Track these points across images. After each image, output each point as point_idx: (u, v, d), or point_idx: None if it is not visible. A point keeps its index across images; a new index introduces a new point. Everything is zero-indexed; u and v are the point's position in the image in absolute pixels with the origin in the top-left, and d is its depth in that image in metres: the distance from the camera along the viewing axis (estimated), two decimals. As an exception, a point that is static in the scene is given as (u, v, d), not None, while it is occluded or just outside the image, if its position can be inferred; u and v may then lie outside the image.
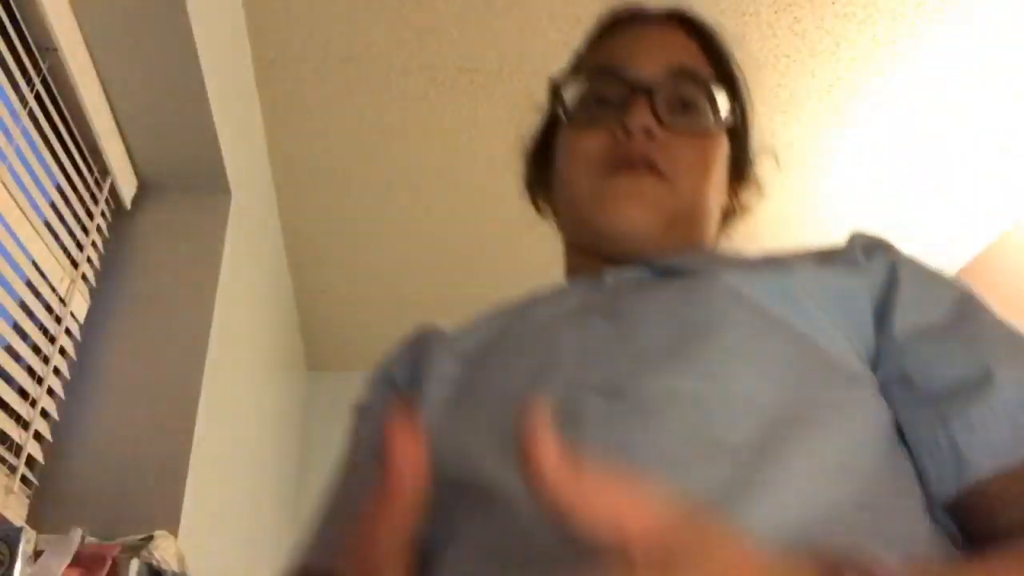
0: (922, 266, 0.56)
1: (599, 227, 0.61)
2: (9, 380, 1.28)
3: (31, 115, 1.35)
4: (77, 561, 1.16)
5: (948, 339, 0.51)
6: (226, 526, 1.94)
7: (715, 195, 0.65)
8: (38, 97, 1.37)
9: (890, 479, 0.44)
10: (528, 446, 0.29)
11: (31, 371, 1.36)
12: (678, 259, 0.59)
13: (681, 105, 0.62)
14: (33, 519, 1.35)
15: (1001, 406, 0.44)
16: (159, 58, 1.51)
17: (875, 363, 0.50)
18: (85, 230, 1.59)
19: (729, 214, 0.72)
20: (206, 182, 1.83)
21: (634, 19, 0.69)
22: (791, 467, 0.41)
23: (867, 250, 0.56)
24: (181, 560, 1.34)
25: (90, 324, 1.60)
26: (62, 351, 1.47)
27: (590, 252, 0.64)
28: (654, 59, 0.62)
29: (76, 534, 1.18)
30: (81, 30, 1.43)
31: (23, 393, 1.33)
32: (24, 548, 1.03)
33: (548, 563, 0.35)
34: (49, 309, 1.44)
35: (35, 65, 1.35)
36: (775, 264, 0.54)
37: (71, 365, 1.52)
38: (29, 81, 1.33)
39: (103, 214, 1.66)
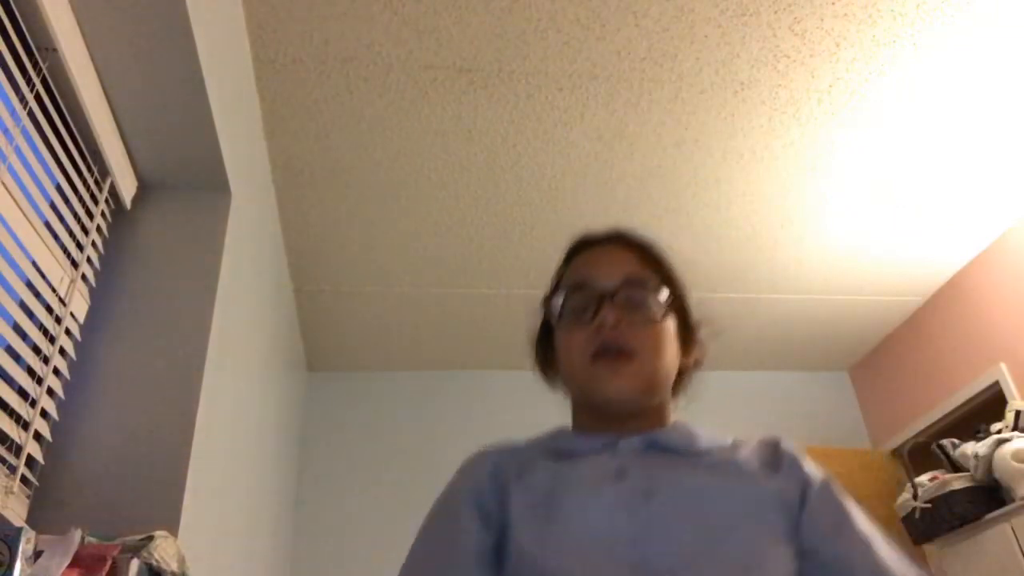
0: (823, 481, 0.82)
1: (597, 398, 0.86)
2: (9, 380, 1.28)
3: (31, 115, 1.35)
4: (77, 561, 1.16)
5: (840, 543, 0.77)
6: (226, 526, 1.94)
7: (670, 363, 0.88)
8: (38, 97, 1.37)
9: None
10: None
11: (31, 371, 1.36)
12: (670, 436, 0.85)
13: (633, 303, 0.87)
14: (33, 519, 1.35)
15: None
16: (159, 58, 1.51)
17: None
18: (85, 230, 1.59)
19: (685, 371, 0.94)
20: (206, 182, 1.83)
21: (591, 244, 0.95)
22: None
23: (791, 463, 0.82)
24: (181, 560, 1.34)
25: (90, 324, 1.60)
26: (62, 351, 1.47)
27: (594, 413, 0.87)
28: (611, 273, 0.89)
29: (76, 534, 1.18)
30: (81, 30, 1.43)
31: (23, 393, 1.33)
32: (24, 548, 1.03)
33: None
34: (49, 309, 1.44)
35: (35, 65, 1.35)
36: (742, 470, 0.80)
37: (71, 365, 1.52)
38: (29, 81, 1.33)
39: (103, 214, 1.67)
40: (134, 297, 1.67)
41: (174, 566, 1.30)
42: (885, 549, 0.78)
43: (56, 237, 1.47)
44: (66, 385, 1.50)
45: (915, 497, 2.89)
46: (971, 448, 2.79)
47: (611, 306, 0.85)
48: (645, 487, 0.76)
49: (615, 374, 0.84)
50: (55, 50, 1.35)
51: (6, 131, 1.26)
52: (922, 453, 3.17)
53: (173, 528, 1.41)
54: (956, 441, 2.92)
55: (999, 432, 2.77)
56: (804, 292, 3.39)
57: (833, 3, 2.05)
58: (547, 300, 0.94)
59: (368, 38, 2.06)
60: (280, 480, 2.92)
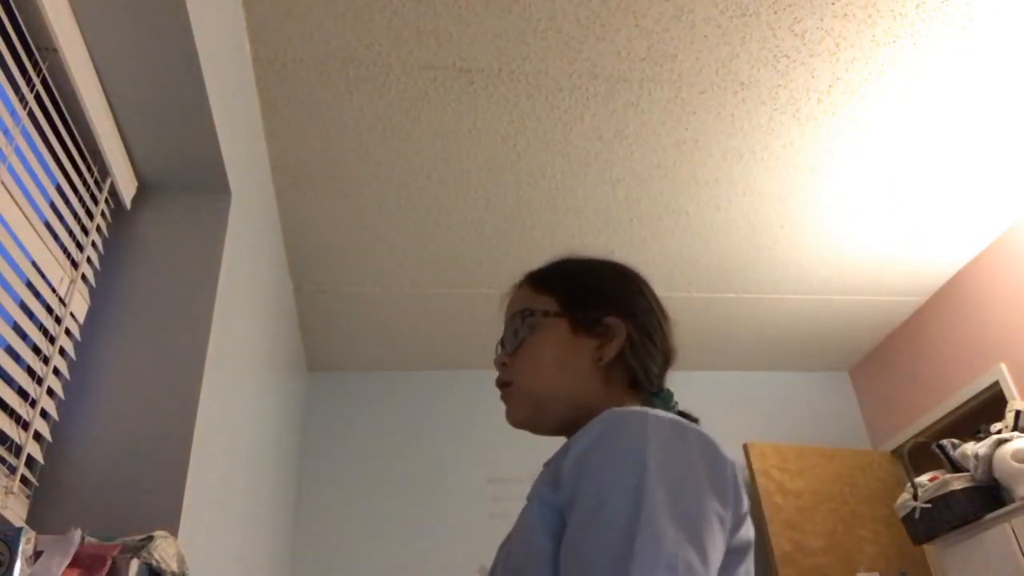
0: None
1: (511, 425, 0.92)
2: (9, 381, 1.28)
3: (31, 115, 1.35)
4: (77, 561, 1.16)
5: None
6: (226, 526, 1.94)
7: (561, 369, 0.88)
8: (38, 97, 1.37)
9: None
10: None
11: (31, 371, 1.36)
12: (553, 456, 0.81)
13: (514, 335, 0.93)
14: (33, 519, 1.35)
15: None
16: (159, 58, 1.51)
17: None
18: (85, 230, 1.59)
19: (609, 360, 0.87)
20: (206, 182, 1.83)
21: (507, 298, 1.00)
22: None
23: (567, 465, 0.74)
24: (181, 560, 1.34)
25: (90, 324, 1.60)
26: (62, 352, 1.47)
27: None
28: (506, 317, 0.96)
29: (76, 534, 1.18)
30: (81, 30, 1.43)
31: (23, 394, 1.33)
32: (24, 548, 1.03)
33: None
34: (49, 309, 1.44)
35: (35, 65, 1.35)
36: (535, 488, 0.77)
37: (71, 365, 1.52)
38: (29, 81, 1.33)
39: (103, 214, 1.67)
40: (134, 297, 1.67)
41: (174, 566, 1.30)
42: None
43: (56, 237, 1.47)
44: (66, 385, 1.50)
45: (915, 497, 2.89)
46: (971, 448, 2.79)
47: (500, 348, 0.96)
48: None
49: (505, 403, 0.92)
50: (55, 50, 1.35)
51: (6, 131, 1.26)
52: (922, 453, 3.17)
53: (173, 528, 1.41)
54: (956, 441, 2.92)
55: (999, 432, 2.77)
56: (804, 292, 3.39)
57: (833, 3, 2.05)
58: None
59: (368, 38, 2.06)
60: (280, 480, 2.92)
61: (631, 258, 3.56)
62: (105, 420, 1.51)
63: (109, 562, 1.18)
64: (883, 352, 3.88)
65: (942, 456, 2.91)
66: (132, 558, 1.22)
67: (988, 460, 2.68)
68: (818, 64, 2.24)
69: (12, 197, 1.28)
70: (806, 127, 2.47)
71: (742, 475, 3.46)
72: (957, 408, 3.30)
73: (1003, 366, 3.05)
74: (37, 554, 1.11)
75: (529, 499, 0.76)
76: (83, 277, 1.57)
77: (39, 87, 1.36)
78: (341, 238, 2.86)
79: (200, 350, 1.64)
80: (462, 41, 2.10)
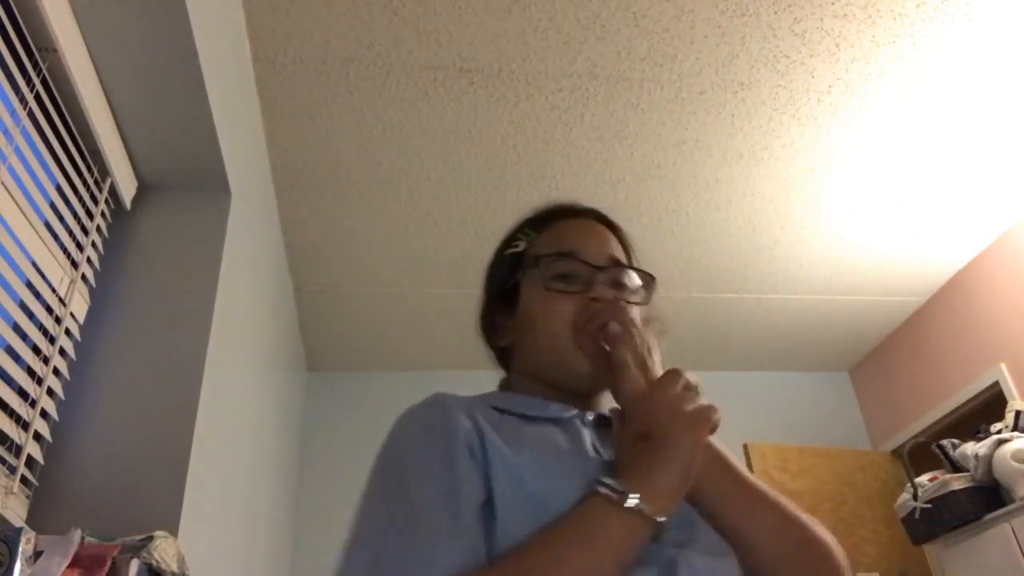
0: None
1: (575, 370, 0.82)
2: (9, 381, 1.28)
3: (31, 115, 1.35)
4: (77, 561, 1.16)
5: None
6: (226, 526, 1.94)
7: None
8: (38, 97, 1.37)
9: None
10: None
11: (31, 372, 1.36)
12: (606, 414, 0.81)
13: (618, 284, 0.87)
14: (33, 519, 1.35)
15: None
16: (159, 58, 1.51)
17: None
18: (85, 230, 1.59)
19: None
20: (206, 182, 1.83)
21: (576, 213, 0.96)
22: None
23: None
24: (181, 560, 1.34)
25: (90, 324, 1.60)
26: (62, 352, 1.47)
27: (546, 384, 0.85)
28: (598, 247, 0.89)
29: (76, 534, 1.18)
30: (81, 30, 1.43)
31: (23, 394, 1.33)
32: (24, 548, 1.03)
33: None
34: (49, 310, 1.44)
35: (35, 65, 1.35)
36: None
37: (71, 365, 1.52)
38: (29, 81, 1.33)
39: (103, 214, 1.67)
40: (134, 297, 1.67)
41: (174, 566, 1.30)
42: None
43: (56, 237, 1.47)
44: (66, 385, 1.50)
45: (915, 497, 2.89)
46: (971, 448, 2.79)
47: (604, 283, 0.85)
48: (607, 461, 0.74)
49: (610, 357, 0.80)
50: (55, 50, 1.35)
51: (6, 131, 1.26)
52: (922, 453, 3.16)
53: (173, 528, 1.41)
54: (956, 441, 2.92)
55: (999, 432, 2.77)
56: (804, 292, 3.39)
57: (833, 3, 2.05)
58: (512, 259, 0.94)
59: (368, 38, 2.06)
60: (280, 480, 2.92)
61: (631, 258, 3.47)
62: (105, 420, 1.51)
63: (109, 562, 1.18)
64: (883, 352, 3.88)
65: (942, 456, 2.91)
66: (132, 558, 1.22)
67: (988, 460, 2.68)
68: (818, 64, 2.23)
69: (12, 197, 1.28)
70: (806, 127, 2.47)
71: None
72: (957, 408, 3.30)
73: (1003, 366, 3.05)
74: (37, 554, 1.11)
75: None
76: (83, 277, 1.57)
77: (39, 87, 1.36)
78: (341, 238, 2.86)
79: (200, 350, 1.64)
80: (462, 41, 2.10)
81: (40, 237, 1.40)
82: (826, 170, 2.66)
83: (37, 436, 1.37)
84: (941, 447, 2.93)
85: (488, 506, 0.67)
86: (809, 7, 2.06)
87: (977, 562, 2.72)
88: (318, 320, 3.36)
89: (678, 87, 2.29)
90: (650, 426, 0.68)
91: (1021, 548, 2.52)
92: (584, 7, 2.02)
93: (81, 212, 1.56)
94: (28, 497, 1.38)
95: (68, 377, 1.50)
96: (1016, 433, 2.72)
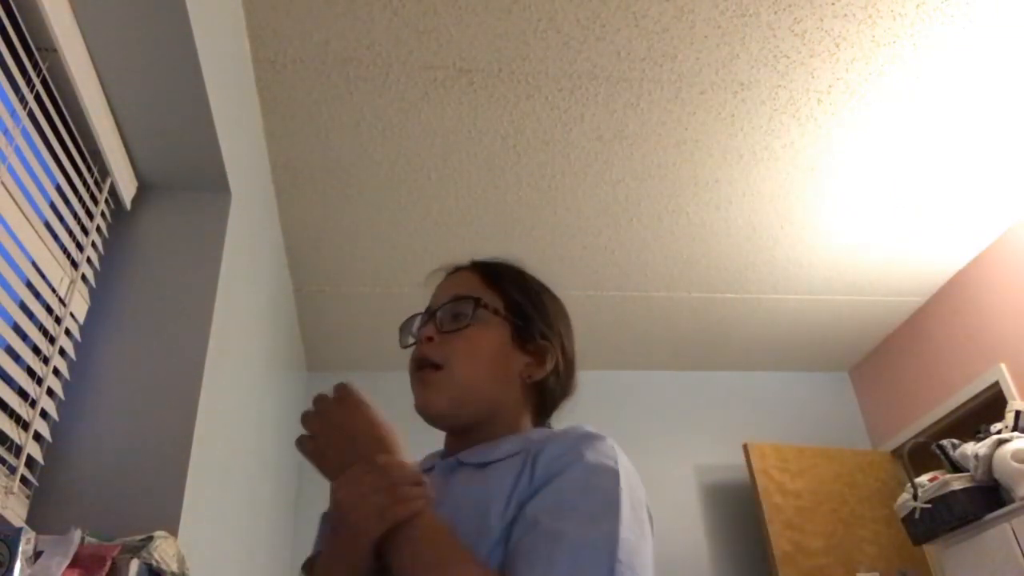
0: None
1: (419, 414, 0.87)
2: (9, 381, 1.28)
3: (31, 115, 1.35)
4: (77, 561, 1.16)
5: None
6: (226, 526, 1.94)
7: (488, 373, 0.87)
8: (38, 97, 1.37)
9: None
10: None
11: (31, 372, 1.36)
12: (473, 453, 0.84)
13: (453, 317, 0.89)
14: (33, 519, 1.35)
15: None
16: (159, 58, 1.51)
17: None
18: (85, 230, 1.59)
19: (537, 380, 0.90)
20: (206, 182, 1.83)
21: (448, 272, 1.00)
22: None
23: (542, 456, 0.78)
24: (181, 560, 1.34)
25: (90, 324, 1.60)
26: (62, 352, 1.47)
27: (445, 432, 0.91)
28: (444, 293, 0.93)
29: (76, 534, 1.18)
30: (81, 30, 1.43)
31: (23, 394, 1.33)
32: (24, 548, 1.03)
33: None
34: (49, 310, 1.44)
35: (35, 65, 1.35)
36: (486, 476, 0.80)
37: (71, 366, 1.52)
38: (29, 81, 1.33)
39: (103, 214, 1.67)
40: (134, 297, 1.67)
41: (174, 566, 1.30)
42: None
43: (56, 237, 1.47)
44: (66, 385, 1.50)
45: (915, 497, 2.89)
46: (971, 448, 2.79)
47: (432, 323, 0.90)
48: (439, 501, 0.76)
49: (423, 386, 0.86)
50: (55, 50, 1.35)
51: (6, 131, 1.26)
52: (922, 453, 3.16)
53: (173, 528, 1.41)
54: (956, 441, 2.92)
55: (999, 432, 2.77)
56: (804, 292, 3.39)
57: (833, 3, 2.05)
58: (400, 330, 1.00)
59: (368, 38, 2.06)
60: (280, 480, 2.92)
61: (631, 258, 3.57)
62: (105, 420, 1.51)
63: (109, 562, 1.18)
64: (883, 352, 3.88)
65: (942, 456, 2.91)
66: (132, 558, 1.22)
67: (988, 460, 2.68)
68: (818, 64, 2.23)
69: (12, 197, 1.28)
70: (806, 127, 2.47)
71: (741, 475, 3.46)
72: (957, 408, 3.30)
73: (1003, 366, 3.05)
74: (37, 554, 1.11)
75: (462, 488, 0.79)
76: (83, 277, 1.57)
77: (39, 87, 1.36)
78: (341, 238, 2.86)
79: (200, 350, 1.64)
80: (462, 41, 2.10)
81: (40, 237, 1.40)
82: (826, 170, 2.66)
83: (37, 436, 1.37)
84: (941, 447, 2.93)
85: None
86: (809, 7, 2.06)
87: (977, 562, 2.72)
88: (318, 320, 3.36)
89: (678, 87, 2.29)
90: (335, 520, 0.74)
91: (1021, 548, 2.51)
92: (584, 7, 2.02)
93: (81, 212, 1.56)
94: (28, 497, 1.38)
95: (68, 377, 1.50)
96: (1016, 433, 2.72)
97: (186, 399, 1.58)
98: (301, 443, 0.77)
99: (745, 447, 3.46)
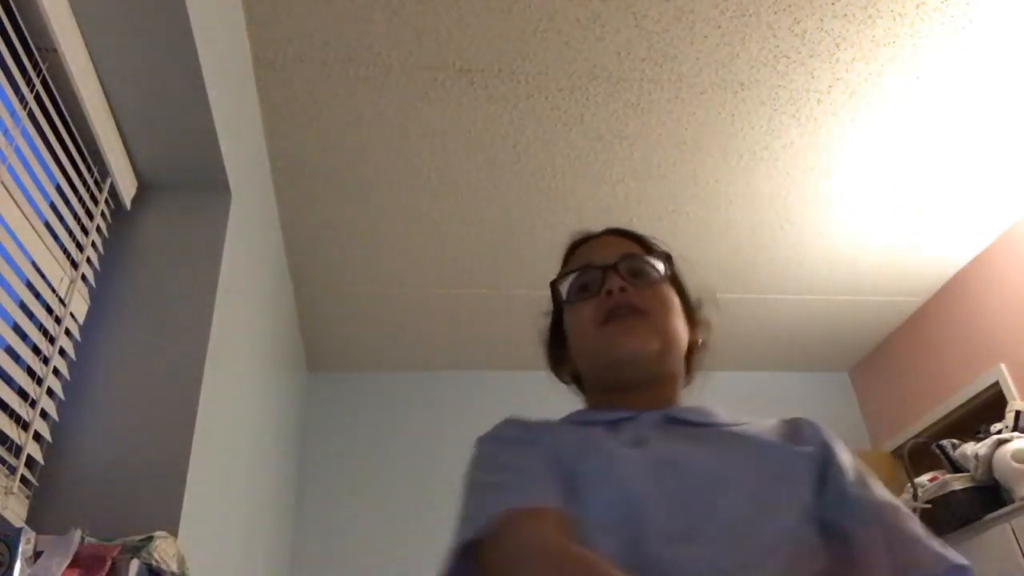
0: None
1: (610, 364, 0.85)
2: (9, 381, 1.28)
3: (31, 115, 1.35)
4: (77, 561, 1.16)
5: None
6: (226, 526, 1.93)
7: (681, 326, 0.90)
8: (38, 97, 1.37)
9: None
10: None
11: (31, 372, 1.36)
12: (687, 412, 0.85)
13: (634, 271, 0.90)
14: (33, 519, 1.35)
15: None
16: (159, 58, 1.51)
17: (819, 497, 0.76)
18: (85, 230, 1.59)
19: (693, 347, 0.94)
20: (206, 182, 1.83)
21: (590, 238, 1.00)
22: None
23: (812, 430, 0.84)
24: (181, 560, 1.34)
25: (90, 324, 1.60)
26: (62, 352, 1.47)
27: (612, 390, 0.87)
28: (609, 252, 0.92)
29: (76, 534, 1.18)
30: (81, 30, 1.43)
31: (23, 394, 1.33)
32: (24, 549, 1.03)
33: None
34: (49, 310, 1.44)
35: (35, 65, 1.35)
36: (763, 436, 0.82)
37: (71, 366, 1.52)
38: (29, 81, 1.33)
39: (103, 214, 1.67)
40: (134, 297, 1.67)
41: (174, 566, 1.30)
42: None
43: (56, 237, 1.47)
44: (66, 385, 1.50)
45: (915, 497, 2.89)
46: (971, 448, 2.79)
47: (614, 275, 0.87)
48: (666, 453, 0.76)
49: (628, 331, 0.84)
50: (55, 50, 1.35)
51: (6, 131, 1.26)
52: (922, 453, 3.16)
53: (173, 528, 1.41)
54: (956, 441, 2.92)
55: (999, 432, 2.77)
56: (804, 292, 3.39)
57: (833, 3, 2.05)
58: (553, 289, 0.97)
59: (368, 38, 2.06)
60: (280, 480, 2.92)
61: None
62: (105, 420, 1.51)
63: (109, 562, 1.18)
64: (883, 352, 3.88)
65: (942, 456, 2.91)
66: (132, 558, 1.22)
67: (988, 460, 2.68)
68: (818, 65, 2.23)
69: (12, 197, 1.28)
70: (806, 127, 2.47)
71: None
72: (957, 408, 3.30)
73: (1003, 366, 3.05)
74: (37, 554, 1.11)
75: (757, 442, 0.79)
76: (83, 277, 1.57)
77: (39, 87, 1.36)
78: (341, 238, 2.86)
79: (200, 350, 1.64)
80: (462, 41, 2.09)
81: (40, 237, 1.40)
82: (826, 170, 2.66)
83: (37, 436, 1.37)
84: (941, 447, 2.93)
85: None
86: (809, 7, 2.06)
87: (977, 562, 2.70)
88: (318, 320, 3.36)
89: (678, 87, 2.29)
90: None
91: (1021, 548, 2.51)
92: (584, 7, 2.02)
93: (81, 212, 1.56)
94: (28, 497, 1.38)
95: (68, 377, 1.50)
96: (1016, 433, 2.72)
97: (186, 399, 1.58)
98: None
99: (745, 447, 3.45)
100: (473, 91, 2.26)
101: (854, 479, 0.78)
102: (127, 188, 1.73)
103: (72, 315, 1.51)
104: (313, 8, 1.97)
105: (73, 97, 1.45)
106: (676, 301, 0.91)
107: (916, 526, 0.75)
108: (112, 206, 1.72)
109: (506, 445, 0.81)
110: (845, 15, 2.09)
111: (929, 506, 2.83)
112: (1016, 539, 2.54)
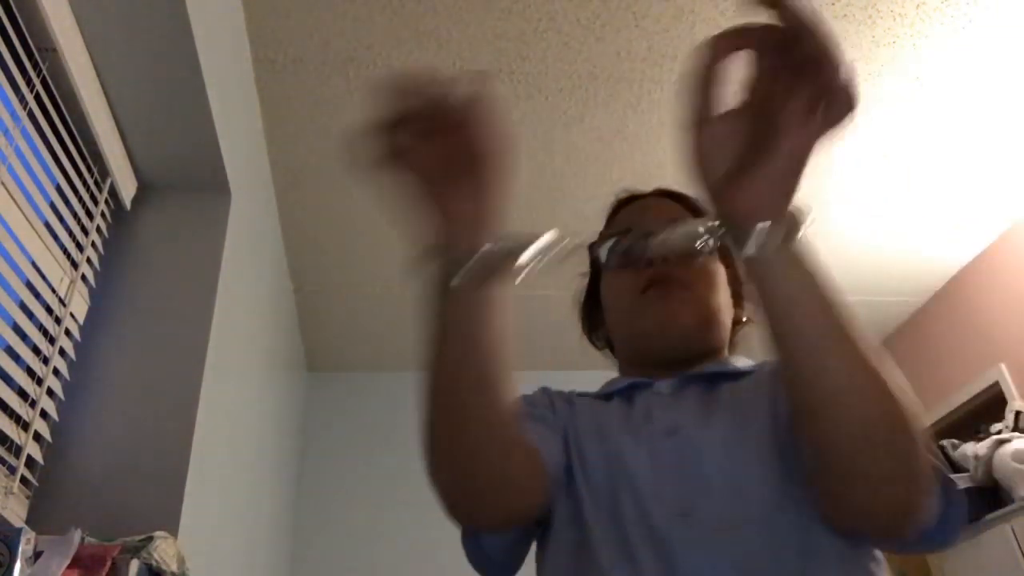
0: None
1: (646, 331, 0.82)
2: (9, 381, 1.28)
3: (31, 115, 1.35)
4: (77, 561, 1.16)
5: None
6: (226, 526, 1.93)
7: (725, 302, 0.86)
8: (38, 97, 1.37)
9: None
10: None
11: (31, 372, 1.36)
12: (704, 368, 0.82)
13: (697, 238, 0.81)
14: (33, 519, 1.35)
15: None
16: (159, 58, 1.51)
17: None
18: (85, 230, 1.59)
19: (738, 322, 0.92)
20: (206, 182, 1.83)
21: (635, 198, 0.95)
22: None
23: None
24: (181, 560, 1.34)
25: (90, 324, 1.60)
26: (62, 352, 1.47)
27: (643, 363, 0.85)
28: (655, 216, 0.87)
29: (76, 534, 1.18)
30: (81, 30, 1.43)
31: (23, 394, 1.33)
32: (24, 549, 1.03)
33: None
34: (49, 310, 1.44)
35: (35, 65, 1.35)
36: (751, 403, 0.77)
37: (71, 366, 1.52)
38: (29, 81, 1.33)
39: (103, 214, 1.66)
40: (134, 297, 1.67)
41: (174, 566, 1.30)
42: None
43: (56, 237, 1.47)
44: (66, 386, 1.50)
45: (915, 497, 2.89)
46: (971, 449, 2.79)
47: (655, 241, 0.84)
48: (667, 427, 0.74)
49: (667, 301, 0.81)
50: (55, 50, 1.35)
51: (6, 131, 1.26)
52: (922, 453, 3.16)
53: (173, 528, 1.41)
54: (956, 442, 2.92)
55: (999, 433, 2.77)
56: (804, 292, 3.39)
57: (833, 4, 2.05)
58: (591, 252, 0.93)
59: (368, 38, 2.06)
60: (280, 480, 2.92)
61: (631, 258, 3.45)
62: (105, 420, 1.51)
63: (109, 562, 1.18)
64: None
65: (942, 456, 2.91)
66: (132, 558, 1.22)
67: (988, 460, 2.68)
68: (818, 64, 2.23)
69: (12, 197, 1.28)
70: (806, 127, 2.46)
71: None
72: (957, 408, 3.30)
73: (1003, 366, 3.05)
74: (37, 554, 1.11)
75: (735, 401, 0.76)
76: (83, 277, 1.57)
77: (39, 87, 1.36)
78: (341, 238, 2.86)
79: (200, 350, 1.64)
80: (462, 41, 2.09)
81: (40, 237, 1.39)
82: (826, 170, 2.66)
83: (37, 436, 1.37)
84: (941, 447, 2.93)
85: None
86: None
87: (977, 562, 2.72)
88: (318, 320, 3.36)
89: (678, 87, 2.29)
90: None
91: (1021, 548, 2.52)
92: (584, 7, 2.02)
93: (81, 212, 1.56)
94: (28, 497, 1.38)
95: (68, 377, 1.50)
96: (1016, 433, 2.72)
97: (186, 399, 1.58)
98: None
99: (745, 447, 3.46)
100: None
101: None
102: (127, 188, 1.73)
103: (72, 315, 1.51)
104: (313, 8, 1.97)
105: (73, 97, 1.45)
106: (722, 276, 0.86)
107: None
108: (112, 206, 1.72)
109: (526, 400, 0.81)
110: (845, 15, 2.09)
111: (929, 506, 2.83)
112: (1016, 539, 2.54)
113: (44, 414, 1.40)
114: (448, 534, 0.79)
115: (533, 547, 0.78)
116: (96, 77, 1.52)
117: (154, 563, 1.25)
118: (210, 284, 1.74)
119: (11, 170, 1.27)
